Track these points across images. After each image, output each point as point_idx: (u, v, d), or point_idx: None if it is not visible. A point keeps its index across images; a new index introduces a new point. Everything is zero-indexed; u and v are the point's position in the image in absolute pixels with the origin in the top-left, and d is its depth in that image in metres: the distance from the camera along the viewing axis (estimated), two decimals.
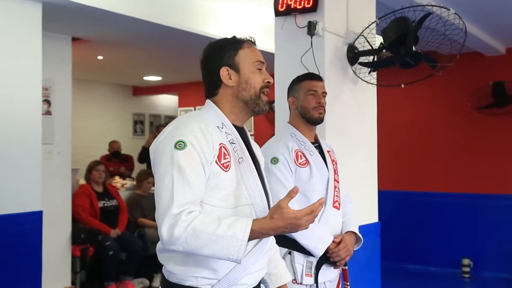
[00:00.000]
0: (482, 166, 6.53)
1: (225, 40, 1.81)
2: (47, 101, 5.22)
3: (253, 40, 1.84)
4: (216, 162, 1.63)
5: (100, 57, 7.09)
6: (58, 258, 5.23)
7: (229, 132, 1.73)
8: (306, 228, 1.56)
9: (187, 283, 1.63)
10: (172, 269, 1.65)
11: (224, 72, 1.75)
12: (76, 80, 6.31)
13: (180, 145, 1.58)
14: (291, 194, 1.53)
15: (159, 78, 9.21)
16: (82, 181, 5.93)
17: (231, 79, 1.75)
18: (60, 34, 5.37)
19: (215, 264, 1.61)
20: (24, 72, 4.17)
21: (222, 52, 1.77)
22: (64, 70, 5.49)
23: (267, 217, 1.53)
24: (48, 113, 5.22)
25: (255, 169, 1.76)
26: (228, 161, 1.66)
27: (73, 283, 5.40)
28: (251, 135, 1.94)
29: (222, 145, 1.67)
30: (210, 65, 1.78)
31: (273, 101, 3.42)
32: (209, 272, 1.62)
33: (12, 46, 4.10)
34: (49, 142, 5.16)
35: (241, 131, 1.80)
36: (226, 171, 1.65)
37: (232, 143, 1.72)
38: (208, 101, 1.80)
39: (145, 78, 9.19)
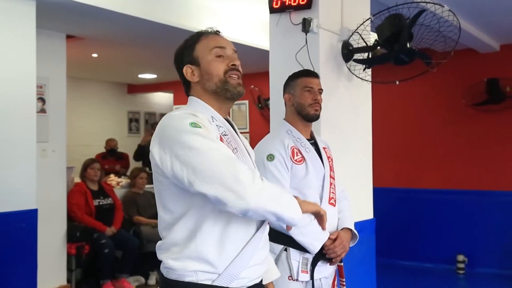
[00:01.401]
0: (477, 163, 6.56)
1: (186, 40, 1.82)
2: (41, 99, 5.20)
3: (211, 30, 1.82)
4: None
5: (94, 55, 7.07)
6: (54, 256, 5.23)
7: (220, 125, 1.73)
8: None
9: (187, 279, 1.61)
10: (171, 265, 1.62)
11: (187, 70, 1.77)
12: (70, 78, 6.30)
13: (195, 125, 1.55)
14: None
15: (154, 76, 9.19)
16: (77, 179, 5.92)
17: (194, 75, 1.76)
18: (54, 31, 5.36)
19: (213, 257, 1.60)
20: (18, 70, 4.16)
21: (182, 51, 1.80)
22: (59, 68, 5.48)
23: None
24: (42, 111, 5.21)
25: (250, 159, 1.78)
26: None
27: (68, 281, 5.39)
28: (246, 132, 1.95)
29: (219, 135, 1.68)
30: (177, 67, 1.81)
31: (268, 98, 3.43)
32: (208, 266, 1.60)
33: (6, 43, 4.09)
34: (44, 140, 5.15)
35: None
36: None
37: (225, 135, 1.71)
38: (191, 97, 1.80)
39: (140, 76, 9.17)
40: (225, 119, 1.79)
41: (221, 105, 1.77)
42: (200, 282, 1.61)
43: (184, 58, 1.78)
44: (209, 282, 1.61)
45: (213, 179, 1.47)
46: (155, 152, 1.59)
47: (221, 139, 1.66)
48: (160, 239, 1.70)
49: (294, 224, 1.60)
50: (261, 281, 1.79)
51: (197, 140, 1.51)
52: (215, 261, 1.60)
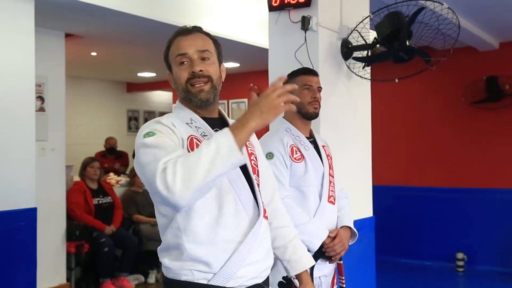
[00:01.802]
0: (476, 161, 6.56)
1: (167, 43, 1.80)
2: (40, 98, 5.20)
3: (185, 29, 1.75)
4: (188, 151, 1.61)
5: (93, 54, 7.06)
6: (53, 255, 5.23)
7: (199, 126, 1.71)
8: (285, 109, 1.47)
9: (183, 278, 1.62)
10: (168, 264, 1.65)
11: (169, 77, 1.79)
12: (69, 76, 6.29)
13: (149, 134, 1.58)
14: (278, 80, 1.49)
15: (153, 74, 9.18)
16: (77, 178, 5.91)
17: (172, 82, 1.78)
18: (53, 30, 5.35)
19: (208, 256, 1.60)
20: (17, 68, 4.15)
21: (164, 57, 1.80)
22: (58, 67, 5.47)
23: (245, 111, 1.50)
24: (41, 109, 5.21)
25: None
26: None
27: (68, 279, 5.39)
28: None
29: (193, 136, 1.66)
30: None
31: None
32: (204, 266, 1.60)
33: (4, 42, 4.08)
34: (43, 139, 5.14)
35: (214, 121, 1.76)
36: None
37: (204, 135, 1.69)
38: (177, 102, 1.81)
39: (139, 74, 9.16)
40: (218, 118, 1.78)
41: (197, 109, 1.73)
42: (195, 281, 1.61)
43: (166, 65, 1.79)
44: (204, 282, 1.61)
45: (150, 188, 1.50)
46: None
47: (196, 139, 1.66)
48: (160, 239, 1.72)
49: (237, 159, 1.42)
50: (265, 280, 1.75)
51: (144, 150, 1.55)
52: (209, 261, 1.60)
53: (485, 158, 6.51)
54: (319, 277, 2.57)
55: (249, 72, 7.99)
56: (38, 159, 4.52)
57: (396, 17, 3.20)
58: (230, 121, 1.80)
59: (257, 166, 1.81)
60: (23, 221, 4.11)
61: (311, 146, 2.63)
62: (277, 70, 3.31)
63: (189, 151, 1.59)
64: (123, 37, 5.92)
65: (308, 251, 2.48)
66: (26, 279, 4.13)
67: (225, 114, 1.83)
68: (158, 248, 1.72)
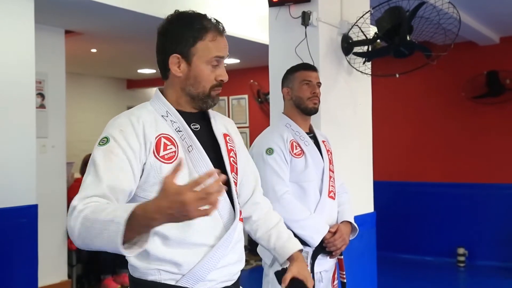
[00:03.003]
0: (477, 156, 6.55)
1: (187, 22, 1.62)
2: (40, 95, 5.20)
3: (221, 28, 1.64)
4: (154, 155, 1.53)
5: (93, 50, 7.05)
6: (54, 251, 5.23)
7: (174, 120, 1.62)
8: (200, 215, 1.22)
9: (150, 278, 1.55)
10: (134, 263, 1.57)
11: (173, 60, 1.61)
12: (69, 73, 6.29)
13: (103, 141, 1.52)
14: (176, 169, 1.23)
15: (153, 71, 9.16)
16: (77, 175, 5.92)
17: (179, 69, 1.62)
18: (53, 27, 5.34)
19: (178, 257, 1.53)
20: (17, 65, 4.14)
21: (179, 36, 1.60)
22: (58, 63, 5.47)
23: (154, 197, 1.26)
24: (42, 106, 5.20)
25: (207, 157, 1.61)
26: (173, 151, 1.56)
27: (69, 276, 5.40)
28: (245, 127, 1.89)
29: (162, 135, 1.57)
30: (163, 47, 1.64)
31: (268, 93, 3.42)
32: (172, 266, 1.54)
33: (4, 39, 4.07)
34: (44, 136, 5.14)
35: (195, 115, 1.68)
36: (170, 162, 1.54)
37: (179, 131, 1.61)
38: (156, 89, 1.72)
39: (139, 71, 9.15)
40: (195, 112, 1.68)
41: (188, 105, 1.67)
42: (163, 281, 1.55)
43: (179, 46, 1.60)
44: (172, 282, 1.55)
45: None
46: None
47: (166, 138, 1.57)
48: None
49: (116, 250, 1.29)
50: (235, 282, 1.69)
51: (90, 161, 1.53)
52: (178, 261, 1.54)
53: (485, 153, 6.51)
54: (320, 272, 2.58)
55: (249, 68, 7.98)
56: (39, 156, 4.52)
57: (397, 12, 3.19)
58: (212, 113, 1.75)
59: (236, 164, 1.74)
60: (24, 218, 4.11)
61: (311, 142, 2.63)
62: (278, 66, 3.30)
63: (155, 154, 1.53)
64: (123, 33, 5.91)
65: (309, 246, 2.51)
66: (27, 276, 4.14)
67: None
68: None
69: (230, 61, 7.33)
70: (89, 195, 1.41)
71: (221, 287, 1.62)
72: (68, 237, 5.33)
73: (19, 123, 4.13)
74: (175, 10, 1.68)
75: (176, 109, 1.66)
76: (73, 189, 5.56)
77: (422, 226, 6.82)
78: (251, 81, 8.27)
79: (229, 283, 1.65)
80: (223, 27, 1.66)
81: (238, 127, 1.90)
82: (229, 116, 8.58)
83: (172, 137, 1.59)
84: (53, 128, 5.34)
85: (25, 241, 4.12)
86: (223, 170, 1.64)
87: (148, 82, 10.24)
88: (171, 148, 1.57)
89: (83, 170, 5.71)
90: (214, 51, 1.61)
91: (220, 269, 1.59)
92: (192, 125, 1.66)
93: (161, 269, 1.54)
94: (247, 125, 8.37)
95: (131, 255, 1.36)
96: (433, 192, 6.80)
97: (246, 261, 1.86)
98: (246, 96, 8.48)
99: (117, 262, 5.55)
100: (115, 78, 10.17)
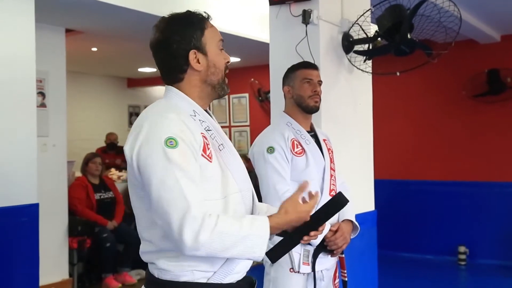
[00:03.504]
0: (478, 154, 6.55)
1: (187, 18, 1.65)
2: (41, 94, 5.20)
3: (208, 15, 1.71)
4: (202, 154, 1.54)
5: (94, 49, 7.06)
6: (55, 250, 5.24)
7: (203, 119, 1.62)
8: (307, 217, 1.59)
9: (182, 279, 1.56)
10: (166, 266, 1.56)
11: (192, 55, 1.62)
12: (70, 72, 6.29)
13: (171, 142, 1.47)
14: (302, 188, 1.60)
15: (154, 70, 9.16)
16: (78, 174, 5.92)
17: (199, 63, 1.63)
18: (53, 25, 5.34)
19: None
20: (17, 64, 4.15)
21: (190, 32, 1.62)
22: (58, 62, 5.47)
23: (281, 211, 1.56)
24: (42, 105, 5.21)
25: (237, 153, 1.70)
26: (211, 151, 1.58)
27: (70, 275, 5.40)
28: (246, 125, 1.91)
29: (202, 134, 1.57)
30: (176, 48, 1.62)
31: (268, 91, 3.42)
32: (206, 265, 1.56)
33: (5, 38, 4.07)
34: (44, 135, 5.14)
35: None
36: (211, 161, 1.56)
37: (209, 130, 1.62)
38: (170, 88, 1.67)
39: (140, 69, 9.15)
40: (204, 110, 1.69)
41: (209, 100, 1.69)
42: (196, 281, 1.56)
43: (192, 41, 1.62)
44: (204, 280, 1.57)
45: (162, 215, 1.46)
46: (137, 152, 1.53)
47: (204, 137, 1.57)
48: None
49: (258, 259, 1.53)
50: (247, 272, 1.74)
51: (165, 169, 1.46)
52: (212, 260, 1.56)
53: (486, 151, 6.51)
54: (321, 270, 2.58)
55: (250, 66, 7.98)
56: (40, 155, 4.52)
57: (398, 10, 3.19)
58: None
59: None
60: (25, 217, 4.11)
61: (312, 140, 2.63)
62: (278, 64, 3.30)
63: (203, 155, 1.54)
64: (124, 32, 5.91)
65: (310, 245, 2.51)
66: (29, 275, 4.14)
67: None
68: (142, 250, 1.63)
69: (230, 59, 7.30)
70: (201, 201, 1.46)
71: (243, 277, 1.68)
72: (69, 236, 5.36)
73: (20, 122, 4.14)
74: (161, 17, 1.68)
75: None
76: (73, 187, 5.57)
77: (423, 225, 6.82)
78: (252, 79, 8.27)
79: (246, 271, 1.71)
80: (208, 14, 1.72)
81: (238, 126, 1.92)
82: (229, 115, 8.59)
83: (206, 136, 1.60)
84: (54, 127, 5.35)
85: (26, 240, 4.12)
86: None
87: (148, 80, 10.24)
88: (209, 148, 1.58)
89: (84, 169, 5.72)
90: (217, 35, 1.68)
91: (244, 261, 1.64)
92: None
93: (195, 269, 1.56)
94: (247, 123, 8.37)
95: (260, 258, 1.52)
96: (434, 191, 6.79)
97: None
98: (246, 94, 8.48)
99: (118, 261, 5.56)
100: (116, 76, 10.18)
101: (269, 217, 1.53)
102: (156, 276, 1.59)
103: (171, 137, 1.47)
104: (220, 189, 1.57)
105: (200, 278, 1.57)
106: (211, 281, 1.58)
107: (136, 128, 1.55)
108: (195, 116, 1.61)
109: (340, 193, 1.70)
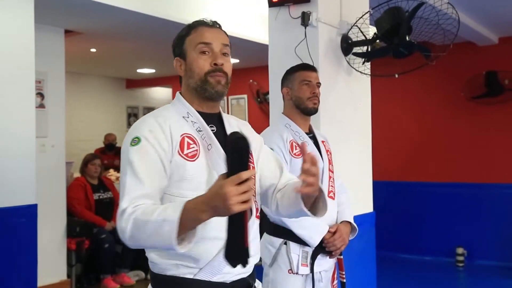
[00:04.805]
0: (476, 156, 6.56)
1: (182, 30, 1.79)
2: (40, 94, 5.20)
3: (209, 22, 1.76)
4: (178, 153, 1.62)
5: (93, 50, 7.06)
6: (54, 251, 5.23)
7: (195, 121, 1.71)
8: (239, 209, 1.30)
9: (168, 273, 1.63)
10: (154, 259, 1.65)
11: (176, 63, 1.77)
12: (69, 73, 6.29)
13: (135, 141, 1.60)
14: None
15: (153, 71, 9.18)
16: (77, 174, 5.92)
17: (181, 68, 1.76)
18: (52, 26, 5.35)
19: (196, 252, 1.58)
20: (16, 65, 4.14)
21: (174, 43, 1.79)
22: (57, 63, 5.47)
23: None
24: (41, 106, 5.21)
25: (224, 155, 1.67)
26: (195, 150, 1.65)
27: (68, 276, 5.40)
28: None
29: (185, 135, 1.65)
30: (174, 57, 1.80)
31: (267, 93, 3.42)
32: (190, 261, 1.60)
33: (4, 39, 4.07)
34: (43, 135, 5.15)
35: (212, 117, 1.76)
36: (193, 160, 1.63)
37: (200, 131, 1.69)
38: (177, 93, 1.81)
39: (139, 70, 9.16)
40: (212, 113, 1.75)
41: (201, 103, 1.74)
42: (181, 275, 1.61)
43: (176, 49, 1.77)
44: (190, 276, 1.61)
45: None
46: None
47: (189, 137, 1.65)
48: None
49: (171, 247, 1.40)
50: (250, 274, 1.73)
51: (125, 164, 1.59)
52: (197, 256, 1.59)
53: (484, 153, 6.52)
54: (320, 272, 2.58)
55: (248, 68, 7.99)
56: (38, 156, 4.52)
57: (396, 12, 3.20)
58: (226, 116, 1.81)
59: (252, 163, 1.78)
60: (24, 218, 4.11)
61: (310, 142, 2.64)
62: (277, 66, 3.31)
63: (179, 153, 1.62)
64: (123, 33, 5.91)
65: (309, 246, 2.52)
66: (27, 276, 4.14)
67: (221, 110, 1.83)
68: None
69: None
70: (136, 196, 1.52)
71: (238, 279, 1.67)
72: (68, 237, 5.36)
73: (19, 123, 4.13)
74: None
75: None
76: (72, 188, 5.56)
77: (421, 226, 6.83)
78: (251, 81, 8.27)
79: (245, 275, 1.71)
80: (212, 22, 1.76)
81: None
82: None
83: (194, 137, 1.67)
84: (53, 128, 5.35)
85: (25, 241, 4.12)
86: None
87: (147, 81, 10.25)
88: (194, 147, 1.66)
89: (83, 170, 5.72)
90: (198, 38, 1.72)
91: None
92: (210, 126, 1.73)
93: (180, 264, 1.61)
94: None
95: (182, 251, 1.42)
96: (432, 192, 6.80)
97: None
98: (245, 96, 8.49)
99: (117, 262, 5.56)
100: (115, 77, 10.18)
101: (191, 199, 1.40)
102: (151, 269, 1.70)
103: (137, 136, 1.61)
104: (205, 187, 1.57)
105: (186, 273, 1.61)
106: (197, 277, 1.61)
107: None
108: (188, 117, 1.71)
109: (230, 135, 1.42)
